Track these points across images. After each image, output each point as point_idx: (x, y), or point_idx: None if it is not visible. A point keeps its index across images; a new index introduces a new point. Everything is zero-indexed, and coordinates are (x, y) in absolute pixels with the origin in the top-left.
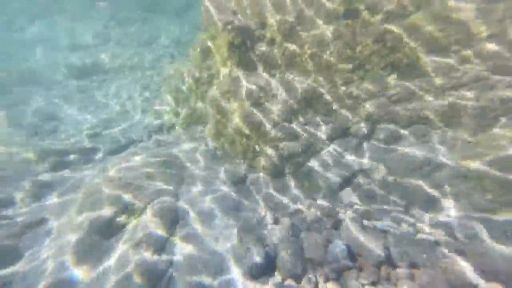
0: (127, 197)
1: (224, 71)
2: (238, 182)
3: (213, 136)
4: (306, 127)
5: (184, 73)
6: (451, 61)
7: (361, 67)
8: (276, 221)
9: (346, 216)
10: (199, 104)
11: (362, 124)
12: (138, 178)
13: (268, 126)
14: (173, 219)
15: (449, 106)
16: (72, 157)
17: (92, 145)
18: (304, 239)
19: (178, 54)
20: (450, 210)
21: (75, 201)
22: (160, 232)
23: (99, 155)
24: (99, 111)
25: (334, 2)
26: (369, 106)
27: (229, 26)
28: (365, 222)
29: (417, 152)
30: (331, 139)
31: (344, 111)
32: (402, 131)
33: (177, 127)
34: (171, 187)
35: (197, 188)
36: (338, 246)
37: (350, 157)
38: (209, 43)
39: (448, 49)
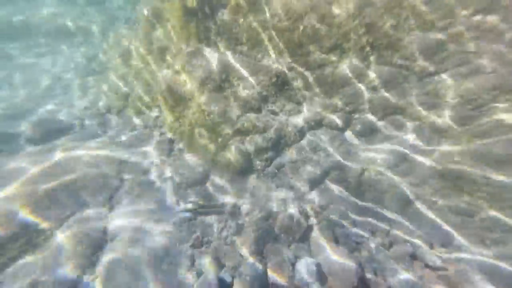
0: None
1: (177, 44)
2: (197, 183)
3: (169, 125)
4: (277, 117)
5: (131, 46)
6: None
7: (338, 47)
8: (239, 231)
9: (317, 225)
10: (152, 84)
11: (337, 114)
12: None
13: (233, 115)
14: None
15: (429, 94)
16: None
17: (9, 130)
18: (269, 258)
19: (136, 17)
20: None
21: None
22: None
23: (18, 143)
24: (26, 85)
25: None
26: (344, 94)
27: None
28: (338, 231)
29: (393, 147)
30: (304, 130)
31: (318, 99)
32: (379, 123)
33: (127, 110)
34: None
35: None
36: (306, 266)
37: (324, 152)
38: (158, 8)
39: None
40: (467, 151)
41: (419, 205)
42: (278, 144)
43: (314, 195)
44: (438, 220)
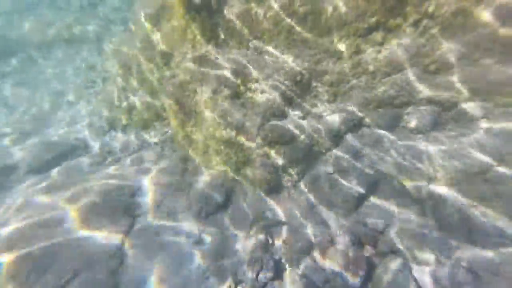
0: None
1: (181, 48)
2: (218, 208)
3: (180, 141)
4: (306, 121)
5: (130, 52)
6: None
7: (380, 26)
8: (277, 272)
9: (379, 257)
10: (157, 95)
11: (381, 111)
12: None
13: (253, 125)
14: None
15: None
16: None
17: (7, 161)
18: None
19: (134, 19)
20: None
21: None
22: None
23: (16, 175)
24: (25, 104)
25: None
26: (393, 83)
27: None
28: (415, 269)
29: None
30: (341, 134)
31: (355, 94)
32: (444, 115)
33: (132, 125)
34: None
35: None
36: None
37: (368, 159)
38: (158, 6)
39: None
40: None
41: None
42: (310, 154)
43: (361, 214)
44: None
